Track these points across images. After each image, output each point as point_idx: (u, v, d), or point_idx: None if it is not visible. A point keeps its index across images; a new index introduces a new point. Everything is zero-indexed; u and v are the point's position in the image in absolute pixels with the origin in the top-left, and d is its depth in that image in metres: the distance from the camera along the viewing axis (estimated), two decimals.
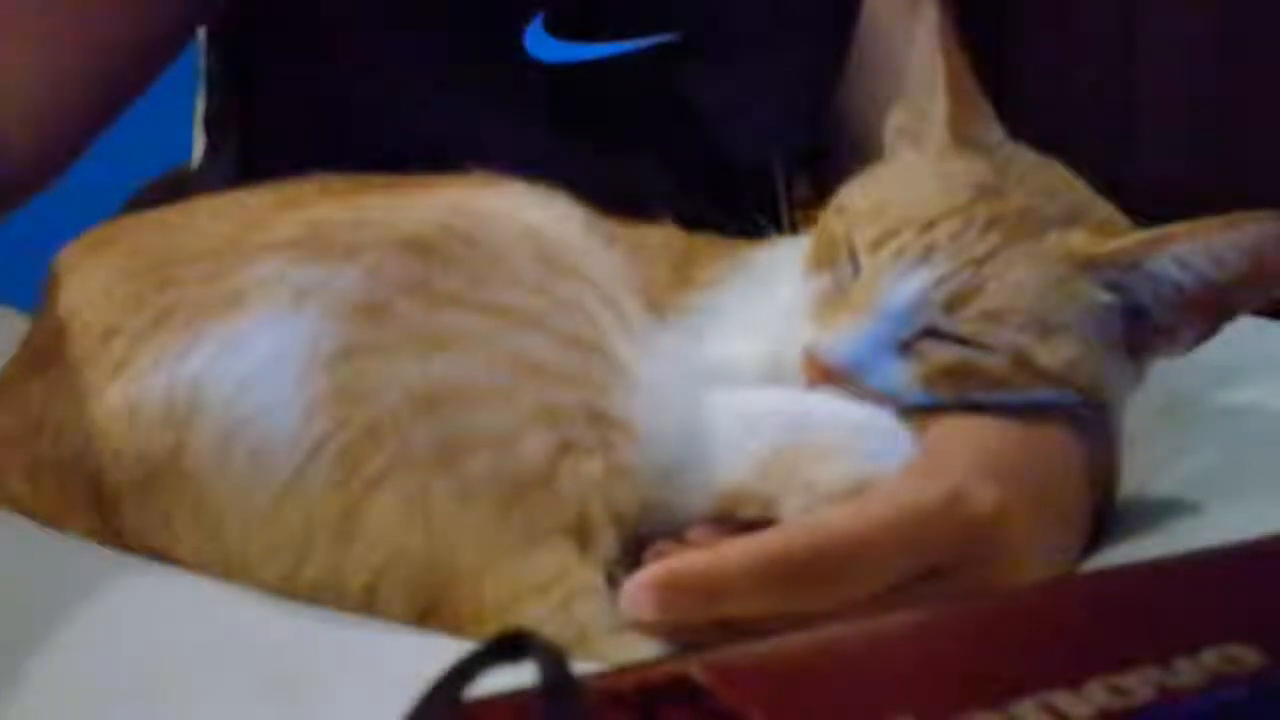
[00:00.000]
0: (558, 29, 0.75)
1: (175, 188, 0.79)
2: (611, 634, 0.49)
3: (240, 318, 0.52)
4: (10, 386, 0.56)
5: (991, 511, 0.50)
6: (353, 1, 0.75)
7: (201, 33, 0.81)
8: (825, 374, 0.55)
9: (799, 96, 0.84)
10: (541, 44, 0.75)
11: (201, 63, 0.81)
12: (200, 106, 0.81)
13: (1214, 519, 0.57)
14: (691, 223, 0.67)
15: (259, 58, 0.78)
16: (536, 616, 0.49)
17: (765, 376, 0.59)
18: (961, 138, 0.59)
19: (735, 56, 0.79)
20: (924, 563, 0.49)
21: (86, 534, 0.52)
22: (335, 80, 0.76)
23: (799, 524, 0.50)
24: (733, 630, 0.47)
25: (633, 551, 0.53)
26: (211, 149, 0.79)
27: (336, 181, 0.61)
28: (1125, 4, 1.46)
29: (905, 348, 0.55)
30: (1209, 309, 0.56)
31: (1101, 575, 0.45)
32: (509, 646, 0.27)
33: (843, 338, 0.55)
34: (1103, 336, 0.56)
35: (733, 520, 0.53)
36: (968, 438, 0.53)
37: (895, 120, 0.63)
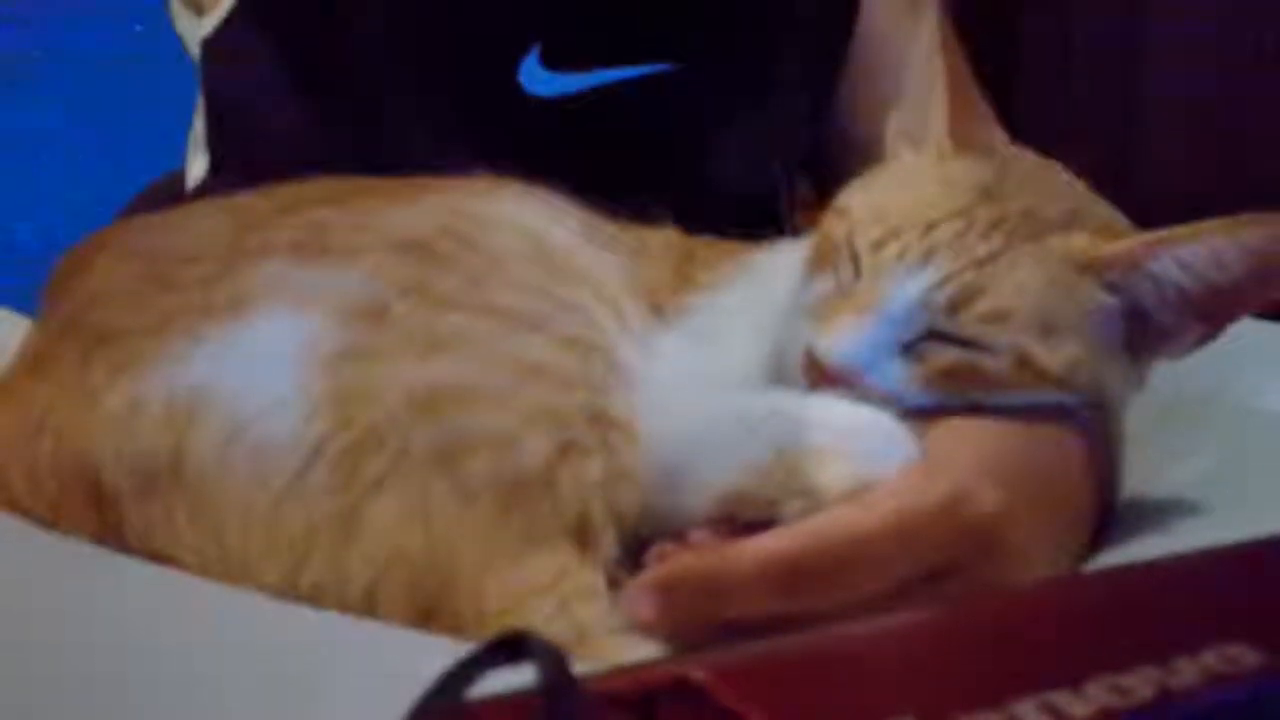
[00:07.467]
0: (553, 60, 0.75)
1: (171, 193, 0.79)
2: (612, 635, 0.49)
3: (241, 320, 0.52)
4: (12, 388, 0.56)
5: (993, 513, 0.50)
6: (350, 46, 0.76)
7: (197, 53, 0.80)
8: (826, 376, 0.55)
9: (797, 119, 0.84)
10: (536, 79, 0.75)
11: (199, 83, 0.81)
12: (198, 124, 0.81)
13: (1214, 520, 0.57)
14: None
15: (260, 94, 0.78)
16: (537, 618, 0.49)
17: (766, 378, 0.59)
18: (962, 139, 0.59)
19: (732, 84, 0.79)
20: (925, 564, 0.49)
21: (87, 535, 0.52)
22: (333, 124, 0.76)
23: (800, 526, 0.50)
24: (734, 632, 0.47)
25: (634, 554, 0.53)
26: (214, 170, 0.79)
27: (337, 184, 0.61)
28: (1127, 6, 1.46)
29: (906, 349, 0.55)
30: (1210, 311, 0.55)
31: (1102, 575, 0.45)
32: (509, 648, 0.27)
33: (844, 339, 0.55)
34: (1104, 338, 0.56)
35: (734, 522, 0.53)
36: (969, 439, 0.53)
37: (896, 122, 0.63)
